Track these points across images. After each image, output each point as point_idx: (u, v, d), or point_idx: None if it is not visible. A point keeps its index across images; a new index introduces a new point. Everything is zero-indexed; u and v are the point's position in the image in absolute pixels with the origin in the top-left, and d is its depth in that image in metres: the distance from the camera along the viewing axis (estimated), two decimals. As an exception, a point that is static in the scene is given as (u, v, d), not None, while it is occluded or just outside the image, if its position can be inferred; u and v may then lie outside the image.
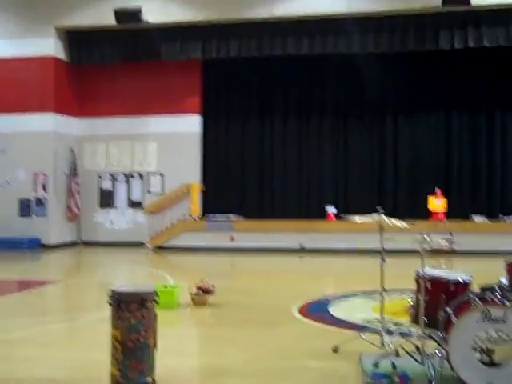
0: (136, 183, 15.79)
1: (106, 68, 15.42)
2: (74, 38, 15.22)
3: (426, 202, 14.20)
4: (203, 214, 15.39)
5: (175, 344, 6.08)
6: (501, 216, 13.94)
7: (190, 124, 15.52)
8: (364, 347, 5.62)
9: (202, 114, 15.73)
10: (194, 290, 8.09)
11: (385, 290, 5.79)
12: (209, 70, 15.58)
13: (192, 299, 8.07)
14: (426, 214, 14.06)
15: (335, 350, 5.75)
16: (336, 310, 7.68)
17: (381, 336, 5.60)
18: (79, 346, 6.13)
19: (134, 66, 15.21)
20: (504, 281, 4.87)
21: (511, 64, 14.32)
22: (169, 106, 15.43)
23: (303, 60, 14.50)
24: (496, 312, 4.47)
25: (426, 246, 5.35)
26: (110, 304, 4.72)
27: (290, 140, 15.53)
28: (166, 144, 15.49)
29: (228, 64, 15.01)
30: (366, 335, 5.79)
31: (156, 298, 4.85)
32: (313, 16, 13.65)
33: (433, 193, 14.22)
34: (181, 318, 7.64)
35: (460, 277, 5.12)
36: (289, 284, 10.03)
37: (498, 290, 4.83)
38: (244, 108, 15.64)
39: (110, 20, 14.12)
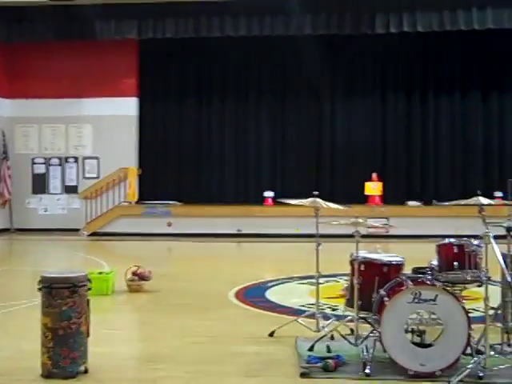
0: (71, 167, 15.43)
1: (38, 46, 14.94)
2: (3, 14, 14.66)
3: (362, 187, 14.39)
4: (140, 199, 15.20)
5: (109, 331, 5.98)
6: (434, 201, 14.26)
7: (126, 106, 15.26)
8: (300, 331, 5.65)
9: (139, 96, 15.48)
10: (130, 276, 7.98)
11: (320, 274, 5.83)
12: (145, 50, 15.32)
13: (128, 285, 7.96)
14: (363, 199, 14.26)
15: (271, 335, 5.76)
16: (272, 295, 7.71)
17: (316, 320, 5.63)
18: (8, 335, 5.95)
19: (68, 44, 14.80)
20: (435, 263, 4.96)
21: (444, 49, 14.58)
22: (104, 87, 15.10)
23: (241, 41, 14.41)
24: (426, 293, 4.56)
25: (362, 230, 5.41)
26: (40, 290, 4.59)
27: (228, 124, 15.47)
28: (102, 127, 15.19)
29: (165, 45, 14.78)
30: (301, 319, 5.82)
31: (88, 284, 4.74)
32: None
33: (369, 178, 14.43)
34: (115, 305, 7.53)
35: (393, 259, 5.20)
36: (226, 269, 10.02)
37: (429, 272, 4.93)
38: (181, 90, 15.46)
39: (42, -4, 13.68)
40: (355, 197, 13.91)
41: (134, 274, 8.00)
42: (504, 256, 5.00)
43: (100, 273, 7.95)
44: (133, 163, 15.24)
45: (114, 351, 5.35)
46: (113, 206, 15.01)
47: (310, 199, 5.78)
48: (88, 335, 4.69)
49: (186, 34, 14.06)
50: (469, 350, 4.60)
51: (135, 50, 15.30)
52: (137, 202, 15.09)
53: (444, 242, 4.99)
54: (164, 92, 15.51)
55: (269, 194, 14.43)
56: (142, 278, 7.99)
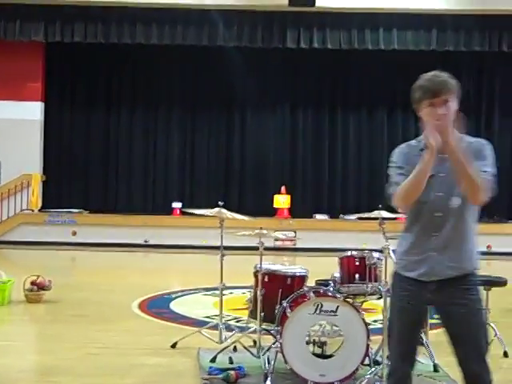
0: (-30, 172, 14.74)
1: None
2: None
3: (271, 200, 14.51)
4: (44, 207, 14.70)
5: (4, 343, 5.76)
6: (341, 215, 14.56)
7: (31, 111, 14.73)
8: (203, 343, 5.60)
9: (44, 101, 15.01)
10: (29, 286, 7.68)
11: (224, 285, 5.81)
12: (52, 54, 14.89)
13: (26, 295, 7.65)
14: (272, 212, 14.37)
15: (174, 346, 5.69)
16: (177, 306, 7.63)
17: (219, 331, 5.60)
18: None
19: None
20: (337, 275, 5.04)
21: (354, 66, 14.97)
22: (8, 90, 14.52)
23: (152, 49, 14.27)
24: (328, 305, 4.61)
25: (269, 242, 5.44)
26: None
27: (137, 131, 15.23)
28: (4, 131, 14.56)
29: (73, 49, 14.43)
30: (205, 331, 5.78)
31: (-20, 294, 4.51)
32: (162, 5, 13.49)
33: (279, 191, 14.57)
34: (12, 316, 7.23)
35: (296, 271, 5.24)
36: (131, 280, 9.83)
37: (332, 284, 5.01)
38: (89, 96, 15.10)
39: None
40: (264, 209, 14.00)
41: (32, 283, 7.70)
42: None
43: (-4, 282, 7.61)
44: (37, 169, 14.74)
45: (8, 363, 5.13)
46: (14, 213, 14.46)
47: (216, 209, 5.77)
48: (-22, 347, 4.46)
49: (96, 39, 13.78)
50: (367, 361, 4.69)
51: (41, 53, 14.84)
52: (40, 210, 14.59)
53: (346, 254, 5.08)
54: (71, 97, 15.11)
55: (177, 204, 14.29)
56: (42, 287, 7.71)
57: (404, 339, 3.19)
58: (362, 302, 5.12)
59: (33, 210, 14.47)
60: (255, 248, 5.43)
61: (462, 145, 3.00)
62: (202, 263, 12.07)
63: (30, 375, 5.07)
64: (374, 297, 5.01)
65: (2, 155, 14.61)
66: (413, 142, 3.30)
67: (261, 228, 5.35)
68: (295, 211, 14.57)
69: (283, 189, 14.52)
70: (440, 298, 3.07)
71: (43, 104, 14.94)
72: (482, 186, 2.95)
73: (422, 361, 5.06)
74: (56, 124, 15.12)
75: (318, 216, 14.64)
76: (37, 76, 14.80)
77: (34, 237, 13.93)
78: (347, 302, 4.70)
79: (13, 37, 13.77)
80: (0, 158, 14.64)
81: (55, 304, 7.64)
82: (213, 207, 5.95)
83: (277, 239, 13.23)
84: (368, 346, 4.59)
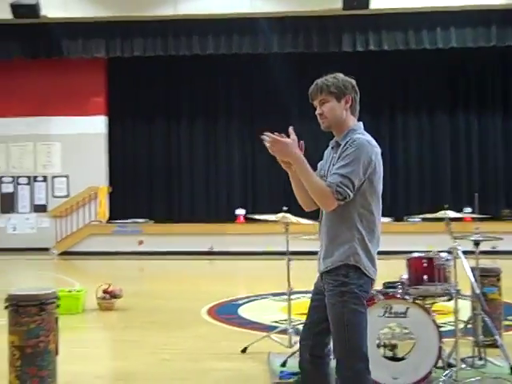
0: (40, 186, 15.25)
1: (4, 64, 14.77)
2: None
3: (333, 203, 14.44)
4: (110, 218, 15.07)
5: (79, 349, 5.90)
6: (405, 218, 14.38)
7: (95, 124, 15.15)
8: (273, 347, 5.64)
9: (107, 114, 15.40)
10: (101, 294, 7.90)
11: (292, 290, 5.83)
12: (113, 69, 15.28)
13: (98, 304, 7.87)
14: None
15: (244, 351, 5.75)
16: (245, 312, 7.69)
17: (289, 336, 5.63)
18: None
19: (35, 63, 14.68)
20: (405, 277, 5.00)
21: (412, 67, 14.80)
22: (72, 106, 14.98)
23: (209, 60, 14.45)
24: (397, 307, 4.59)
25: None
26: (7, 308, 4.51)
27: (198, 141, 15.44)
28: (71, 145, 15.05)
29: (133, 63, 14.76)
30: (274, 335, 5.82)
31: (57, 301, 4.67)
32: (217, 15, 13.66)
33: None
34: (86, 323, 7.44)
35: (364, 274, 5.21)
36: (198, 287, 9.96)
37: (400, 286, 4.97)
38: (150, 108, 15.41)
39: (6, 14, 13.57)
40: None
41: (104, 291, 7.91)
42: (473, 269, 5.07)
43: (70, 291, 7.86)
44: (103, 181, 15.13)
45: (84, 369, 5.29)
46: (83, 224, 14.86)
47: (280, 214, 5.80)
48: (57, 353, 4.61)
49: (155, 53, 14.07)
50: (440, 364, 4.64)
51: (103, 68, 15.25)
52: (107, 221, 14.96)
53: (414, 255, 5.04)
54: (133, 110, 15.45)
55: (240, 211, 14.41)
56: (113, 295, 7.91)
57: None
58: (432, 304, 5.05)
59: (101, 221, 14.83)
60: (317, 253, 5.43)
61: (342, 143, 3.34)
62: (267, 269, 12.14)
63: (106, 381, 5.21)
64: (444, 298, 4.94)
65: (69, 169, 15.08)
66: None
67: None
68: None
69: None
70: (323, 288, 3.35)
71: (107, 118, 15.33)
72: (323, 194, 3.19)
73: (498, 363, 4.97)
74: (119, 137, 15.48)
75: (383, 219, 14.47)
76: (100, 91, 15.21)
77: (102, 247, 14.29)
78: (417, 303, 4.66)
79: (76, 54, 14.18)
80: (68, 172, 15.11)
81: (127, 311, 7.82)
82: (276, 213, 5.98)
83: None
84: (440, 348, 4.54)
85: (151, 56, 14.17)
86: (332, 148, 3.54)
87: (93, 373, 5.26)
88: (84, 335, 6.83)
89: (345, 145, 3.35)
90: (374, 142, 3.44)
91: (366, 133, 3.46)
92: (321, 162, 3.64)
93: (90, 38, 14.10)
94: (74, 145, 14.98)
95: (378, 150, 3.47)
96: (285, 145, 3.32)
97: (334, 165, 3.34)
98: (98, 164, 15.09)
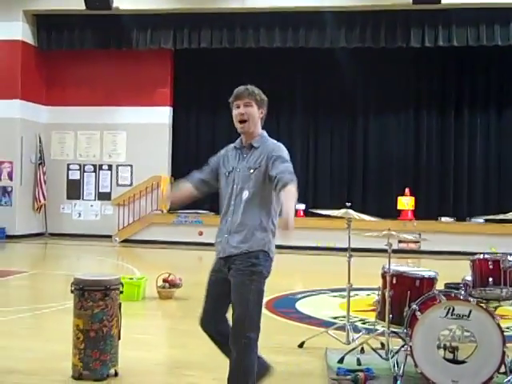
0: (105, 174, 15.60)
1: (76, 54, 15.19)
2: (43, 22, 14.98)
3: (395, 201, 14.28)
4: (172, 208, 15.27)
5: (139, 335, 6.02)
6: (468, 218, 14.09)
7: (160, 115, 15.40)
8: (330, 343, 5.62)
9: (172, 105, 15.61)
10: (161, 283, 8.02)
11: (352, 286, 5.80)
12: (180, 60, 15.47)
13: (158, 292, 8.00)
14: (395, 214, 14.14)
15: (301, 346, 5.74)
16: (303, 306, 7.69)
17: (347, 332, 5.60)
18: (42, 336, 6.02)
19: (104, 53, 15.03)
20: (469, 278, 4.89)
21: (479, 64, 14.47)
22: (139, 95, 15.28)
23: (275, 53, 14.47)
24: (460, 308, 4.49)
25: (394, 244, 5.37)
26: (73, 292, 4.64)
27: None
28: (136, 135, 15.35)
29: (199, 55, 14.92)
30: (332, 331, 5.79)
31: (120, 288, 4.78)
32: (285, 8, 13.64)
33: (402, 193, 14.32)
34: (146, 310, 7.58)
35: (425, 273, 5.14)
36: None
37: (463, 287, 4.87)
38: (215, 100, 15.52)
39: (80, 5, 13.93)
40: (387, 211, 13.81)
41: (164, 280, 8.04)
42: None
43: (131, 278, 8.01)
44: (165, 171, 15.36)
45: (144, 356, 5.38)
46: (145, 213, 15.13)
47: (343, 210, 5.77)
48: (119, 338, 4.73)
49: (221, 45, 14.18)
50: (503, 369, 4.53)
51: (170, 59, 15.47)
52: (169, 211, 15.18)
53: (479, 257, 4.93)
54: (197, 102, 15.62)
55: (300, 206, 14.39)
56: (173, 285, 8.03)
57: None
58: (496, 308, 4.94)
59: (162, 211, 15.04)
60: (378, 250, 5.40)
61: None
62: (326, 264, 12.10)
63: (164, 368, 5.29)
64: (509, 302, 4.82)
65: (133, 158, 15.36)
66: None
67: (389, 229, 5.29)
68: (419, 213, 14.25)
69: (407, 190, 14.24)
70: (227, 270, 3.83)
71: (171, 109, 15.52)
72: (295, 196, 3.64)
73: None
74: (183, 127, 15.68)
75: (444, 218, 14.23)
76: (166, 82, 15.43)
77: (163, 236, 14.53)
78: (481, 306, 4.56)
79: (144, 45, 14.43)
80: (132, 161, 15.40)
81: (186, 301, 7.92)
82: (336, 209, 5.95)
83: (401, 241, 13.01)
84: (504, 353, 4.42)
85: (217, 48, 14.28)
86: (240, 149, 3.99)
87: (152, 359, 5.36)
88: (144, 322, 6.96)
89: (266, 147, 3.92)
90: None
91: None
92: (215, 158, 4.19)
93: (158, 29, 14.35)
94: (138, 134, 15.26)
95: None
96: (291, 221, 3.48)
97: (248, 162, 3.87)
98: (161, 154, 15.33)
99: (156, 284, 7.98)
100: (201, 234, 14.36)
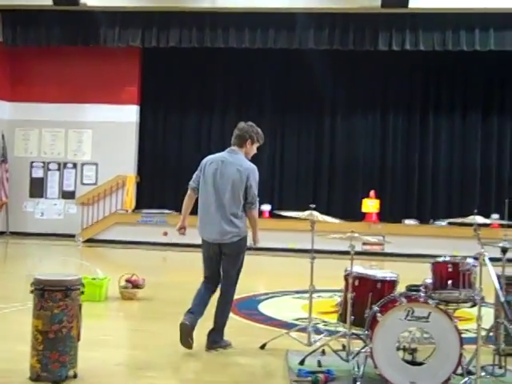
0: (69, 173, 15.41)
1: (41, 51, 14.97)
2: (8, 18, 14.73)
3: (360, 203, 14.39)
4: (137, 207, 15.17)
5: (100, 336, 5.96)
6: (431, 220, 14.27)
7: (127, 113, 15.26)
8: (291, 345, 5.64)
9: (140, 104, 15.50)
10: (124, 284, 7.96)
11: (314, 288, 5.82)
12: (148, 59, 15.37)
13: (121, 293, 7.93)
14: (360, 216, 14.24)
15: (263, 347, 5.75)
16: (265, 308, 7.70)
17: (308, 334, 5.62)
18: (2, 337, 5.92)
19: (71, 50, 14.84)
20: (429, 281, 4.95)
21: (445, 68, 14.65)
22: (105, 94, 15.12)
23: (244, 53, 14.46)
24: (420, 311, 4.55)
25: (357, 247, 5.41)
26: (33, 292, 4.57)
27: (228, 134, 15.15)
28: (102, 133, 15.19)
29: (168, 54, 14.84)
30: (293, 333, 5.82)
31: (81, 288, 4.73)
32: (254, 9, 13.64)
33: (367, 195, 14.43)
34: (108, 311, 7.52)
35: (387, 275, 5.20)
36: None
37: (423, 290, 4.93)
38: (183, 100, 15.47)
39: (47, 0, 13.73)
40: (353, 213, 13.91)
41: (127, 281, 7.98)
42: (498, 277, 5.01)
43: (93, 279, 7.93)
44: (131, 171, 15.24)
45: (104, 357, 5.33)
46: (109, 213, 15.00)
47: (307, 212, 5.79)
48: (79, 339, 4.67)
49: (190, 44, 14.12)
50: (460, 370, 4.59)
51: (138, 57, 15.35)
52: (133, 210, 15.07)
53: (439, 260, 4.99)
54: (165, 101, 15.53)
55: (266, 207, 14.40)
56: (136, 285, 7.97)
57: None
58: (455, 310, 5.01)
59: (127, 211, 14.94)
60: (342, 252, 5.44)
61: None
62: (289, 266, 12.14)
63: (125, 369, 5.24)
64: (467, 305, 4.89)
65: (99, 157, 15.22)
66: None
67: (352, 231, 5.33)
68: (384, 216, 14.39)
69: (372, 193, 14.36)
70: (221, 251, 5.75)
71: (139, 107, 15.42)
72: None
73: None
74: (150, 127, 15.58)
75: (407, 221, 14.39)
76: (133, 80, 15.32)
77: (127, 236, 14.42)
78: (440, 308, 4.62)
79: (112, 43, 14.30)
80: (97, 160, 15.25)
81: (149, 302, 7.88)
82: (301, 210, 5.97)
83: (365, 243, 13.08)
84: (461, 354, 4.49)
85: (186, 47, 14.22)
86: None
87: (113, 360, 5.31)
88: (105, 323, 6.90)
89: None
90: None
91: None
92: None
93: (127, 26, 14.22)
94: (105, 133, 15.12)
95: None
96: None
97: None
98: (127, 153, 15.21)
99: (119, 284, 7.92)
100: (165, 234, 14.27)
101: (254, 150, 5.89)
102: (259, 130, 5.96)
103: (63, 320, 4.53)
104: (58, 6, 13.82)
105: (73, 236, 14.73)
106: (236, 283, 5.79)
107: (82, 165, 15.38)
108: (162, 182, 15.40)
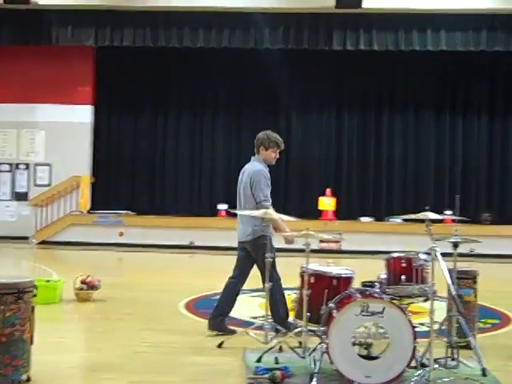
0: (21, 174, 15.12)
1: (-8, 50, 14.67)
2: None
3: (316, 201, 14.48)
4: (92, 208, 14.98)
5: (55, 339, 5.88)
6: (386, 218, 14.44)
7: (81, 114, 15.04)
8: (249, 343, 5.65)
9: (94, 104, 15.31)
10: (79, 285, 7.86)
11: (270, 286, 5.83)
12: (102, 58, 15.18)
13: (76, 294, 7.83)
14: (316, 214, 14.34)
15: (220, 346, 5.75)
16: (223, 306, 7.66)
17: (265, 332, 5.63)
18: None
19: (23, 49, 14.54)
20: (384, 276, 5.02)
21: (399, 67, 14.84)
22: (59, 94, 14.87)
23: (199, 53, 14.41)
24: (374, 306, 4.61)
25: (314, 245, 5.45)
26: (-17, 296, 4.48)
27: (183, 134, 15.38)
28: (55, 134, 14.93)
29: (122, 53, 14.67)
30: (251, 331, 5.83)
31: (34, 291, 4.65)
32: (209, 8, 13.60)
33: (323, 193, 14.54)
34: (63, 313, 7.41)
35: (343, 272, 5.24)
36: (177, 280, 9.95)
37: (378, 285, 4.99)
38: (137, 100, 15.31)
39: (-3, -1, 13.47)
40: (308, 212, 14.00)
41: (82, 282, 7.87)
42: (450, 271, 5.11)
43: (48, 281, 7.81)
44: (86, 171, 15.04)
45: (58, 360, 5.26)
46: (64, 214, 14.78)
47: (262, 210, 5.81)
48: (32, 343, 4.59)
49: (144, 43, 14.01)
50: (414, 363, 4.67)
51: (92, 57, 15.15)
52: (89, 211, 14.87)
53: (392, 256, 5.07)
54: (120, 101, 15.36)
55: (222, 206, 14.39)
56: (91, 286, 7.88)
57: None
58: (409, 304, 5.09)
59: (82, 212, 14.74)
60: (298, 250, 5.48)
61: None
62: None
63: (81, 371, 5.19)
64: (421, 299, 4.98)
65: (52, 158, 14.97)
66: (263, 166, 6.33)
67: (308, 229, 5.36)
68: (340, 213, 14.51)
69: (328, 191, 14.48)
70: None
71: (93, 107, 15.23)
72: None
73: (471, 364, 5.02)
74: (105, 127, 15.39)
75: (363, 218, 14.55)
76: (87, 80, 15.10)
77: (82, 237, 14.21)
78: (393, 303, 4.69)
79: (64, 42, 14.09)
80: (51, 161, 15.01)
81: (104, 303, 7.80)
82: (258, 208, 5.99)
83: (322, 241, 13.20)
84: (415, 348, 4.57)
85: (140, 47, 14.10)
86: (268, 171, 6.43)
87: (67, 363, 5.24)
88: (60, 325, 6.80)
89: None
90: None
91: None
92: (268, 177, 6.32)
93: (80, 26, 14.01)
94: (58, 133, 14.87)
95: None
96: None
97: None
98: (81, 154, 15.00)
99: (74, 286, 7.81)
100: (121, 234, 14.13)
101: (271, 155, 6.34)
102: (273, 136, 6.44)
103: (15, 323, 4.45)
104: (8, 4, 13.55)
105: (26, 238, 14.45)
106: (273, 278, 5.85)
107: (35, 166, 15.11)
108: (117, 182, 15.25)
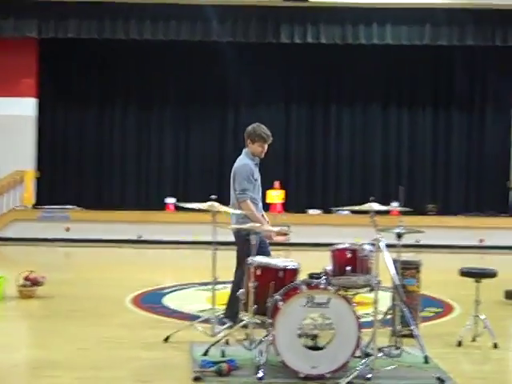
0: (-37, 169, 14.68)
1: None
2: None
3: (264, 194, 14.49)
4: (37, 203, 14.67)
5: (-3, 338, 5.74)
6: (333, 209, 14.57)
7: (24, 107, 14.67)
8: (196, 337, 5.63)
9: (38, 97, 14.98)
10: (22, 281, 7.68)
11: (217, 279, 5.82)
12: (46, 50, 14.85)
13: (19, 291, 7.65)
14: (265, 207, 14.34)
15: (166, 340, 5.71)
16: (170, 301, 7.65)
17: (212, 325, 5.62)
18: None
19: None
20: (329, 268, 5.06)
21: (347, 60, 14.98)
22: (1, 86, 14.47)
23: (146, 45, 14.25)
24: (320, 297, 4.64)
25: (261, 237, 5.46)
26: None
27: (130, 128, 15.18)
28: (-2, 127, 14.59)
29: (67, 45, 14.39)
30: (197, 325, 5.80)
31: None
32: (156, 0, 13.46)
33: (271, 186, 14.58)
34: (4, 311, 7.23)
35: (288, 264, 5.26)
36: (124, 275, 9.84)
37: (324, 277, 5.03)
38: (83, 93, 15.03)
39: None
40: (257, 204, 14.01)
41: (25, 279, 7.70)
42: (394, 261, 5.19)
43: (-11, 278, 7.62)
44: (30, 166, 14.71)
45: (1, 358, 5.14)
46: (7, 209, 14.44)
47: (208, 203, 5.79)
48: (-29, 341, 4.47)
49: (89, 35, 13.77)
50: (358, 353, 4.72)
51: (35, 49, 14.80)
52: (34, 206, 14.57)
53: (337, 247, 5.11)
54: (65, 94, 15.05)
55: (170, 200, 14.29)
56: (35, 283, 7.71)
57: None
58: (354, 295, 5.14)
59: (26, 207, 14.44)
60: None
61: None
62: (195, 258, 12.08)
63: (23, 369, 5.08)
64: (366, 289, 5.03)
65: (-6, 151, 14.60)
66: (249, 160, 6.43)
67: (254, 224, 5.36)
68: (289, 206, 14.59)
69: (277, 184, 14.53)
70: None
71: (37, 100, 14.91)
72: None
73: (414, 353, 5.11)
74: (50, 120, 15.07)
75: (311, 211, 14.65)
76: (30, 72, 14.76)
77: (27, 233, 13.92)
78: (339, 294, 4.73)
79: (6, 33, 13.75)
80: (-7, 155, 14.63)
81: (48, 299, 7.65)
82: (205, 202, 5.97)
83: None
84: (359, 338, 4.62)
85: (86, 39, 13.86)
86: (256, 165, 6.51)
87: (9, 362, 5.12)
88: (2, 324, 6.64)
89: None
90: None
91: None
92: (255, 174, 6.45)
93: (23, 17, 13.69)
94: (1, 126, 14.51)
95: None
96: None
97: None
98: (25, 148, 14.66)
99: (16, 282, 7.63)
100: (68, 229, 13.89)
101: (257, 148, 6.36)
102: (260, 129, 6.40)
103: (-47, 321, 4.32)
104: None
105: (-32, 235, 14.07)
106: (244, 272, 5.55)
107: (-23, 160, 14.69)
108: (63, 177, 14.97)
